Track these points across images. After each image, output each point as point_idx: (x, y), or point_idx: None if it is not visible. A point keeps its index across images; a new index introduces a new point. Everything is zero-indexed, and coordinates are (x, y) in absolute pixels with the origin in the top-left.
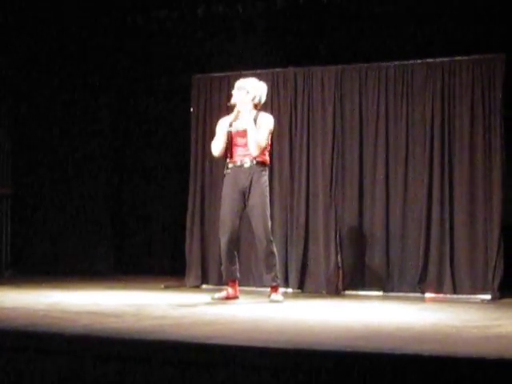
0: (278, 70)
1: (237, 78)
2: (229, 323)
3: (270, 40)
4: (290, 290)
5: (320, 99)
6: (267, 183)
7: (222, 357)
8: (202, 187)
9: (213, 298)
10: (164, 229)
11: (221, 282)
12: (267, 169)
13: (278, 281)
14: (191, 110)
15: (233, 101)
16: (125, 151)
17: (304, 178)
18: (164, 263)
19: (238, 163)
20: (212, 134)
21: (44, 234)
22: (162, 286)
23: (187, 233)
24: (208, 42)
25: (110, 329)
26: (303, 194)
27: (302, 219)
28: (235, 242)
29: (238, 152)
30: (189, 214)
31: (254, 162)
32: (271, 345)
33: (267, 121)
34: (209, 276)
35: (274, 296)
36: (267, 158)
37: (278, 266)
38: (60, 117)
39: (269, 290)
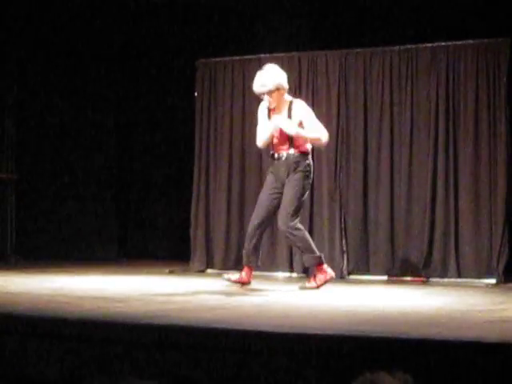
0: (282, 54)
1: (241, 62)
2: (234, 307)
3: (273, 25)
4: (294, 275)
5: (324, 84)
6: (304, 172)
7: (226, 341)
8: (207, 172)
9: (223, 278)
10: (169, 213)
11: (226, 266)
12: (307, 157)
13: (316, 259)
14: (195, 93)
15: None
16: (130, 137)
17: None
18: (169, 248)
19: (276, 155)
20: (216, 119)
21: (49, 220)
22: (167, 270)
23: (192, 217)
24: (212, 26)
25: (114, 313)
26: None
27: (307, 204)
28: (263, 228)
29: (276, 143)
30: (194, 199)
31: (291, 153)
32: (276, 329)
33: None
34: (214, 260)
35: (318, 276)
36: (306, 146)
37: (312, 247)
38: (64, 103)
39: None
